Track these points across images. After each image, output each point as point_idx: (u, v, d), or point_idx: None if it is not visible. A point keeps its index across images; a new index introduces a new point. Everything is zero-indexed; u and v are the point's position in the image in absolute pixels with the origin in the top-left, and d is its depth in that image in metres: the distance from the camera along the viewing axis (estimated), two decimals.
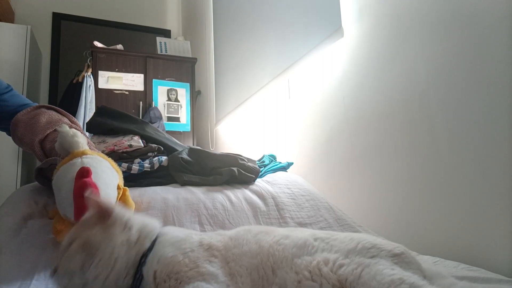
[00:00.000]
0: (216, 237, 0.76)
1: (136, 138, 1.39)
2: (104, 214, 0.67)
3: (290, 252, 0.72)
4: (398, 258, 0.68)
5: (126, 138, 1.38)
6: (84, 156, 0.97)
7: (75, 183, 0.85)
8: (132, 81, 3.26)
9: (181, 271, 0.63)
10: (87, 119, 2.42)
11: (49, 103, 3.73)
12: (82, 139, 1.02)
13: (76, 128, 1.12)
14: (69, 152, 0.99)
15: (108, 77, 3.19)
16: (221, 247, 0.73)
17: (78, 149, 1.00)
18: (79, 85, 3.13)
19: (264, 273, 0.69)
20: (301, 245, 0.73)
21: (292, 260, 0.70)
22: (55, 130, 1.12)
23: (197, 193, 1.22)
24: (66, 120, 1.21)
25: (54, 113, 1.20)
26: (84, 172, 0.86)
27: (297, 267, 0.69)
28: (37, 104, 1.21)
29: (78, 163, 0.94)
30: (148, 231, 0.72)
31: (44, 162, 1.07)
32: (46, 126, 1.13)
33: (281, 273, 0.69)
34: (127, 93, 3.23)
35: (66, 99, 3.44)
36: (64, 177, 0.92)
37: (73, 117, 1.26)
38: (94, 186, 0.84)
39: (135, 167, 1.31)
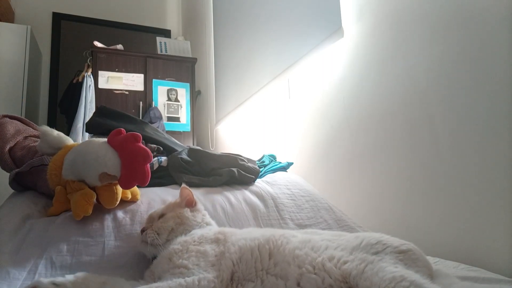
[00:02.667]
0: (236, 229, 0.94)
1: None
2: (192, 202, 0.98)
3: (293, 244, 0.76)
4: (404, 255, 0.68)
5: None
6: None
7: (117, 137, 0.98)
8: (132, 81, 3.26)
9: (189, 242, 0.82)
10: (87, 119, 2.42)
11: (49, 103, 3.75)
12: (65, 135, 1.11)
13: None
14: (59, 147, 1.08)
15: (108, 77, 3.19)
16: (228, 231, 0.87)
17: (69, 143, 1.10)
18: (79, 85, 3.13)
19: (258, 255, 0.76)
20: (305, 240, 0.77)
21: (294, 251, 0.74)
22: (25, 137, 1.19)
23: (196, 195, 1.21)
24: (31, 129, 1.25)
25: (18, 122, 1.25)
26: (121, 131, 1.00)
27: (300, 261, 0.71)
28: None
29: (93, 139, 1.06)
30: (207, 221, 0.98)
31: (25, 166, 1.09)
32: (16, 134, 1.17)
33: (283, 264, 0.72)
34: (127, 93, 3.23)
35: (66, 99, 3.44)
36: (92, 146, 1.00)
37: (36, 126, 1.31)
38: (139, 134, 1.00)
39: None
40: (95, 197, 1.02)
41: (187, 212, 0.94)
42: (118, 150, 0.98)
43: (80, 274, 0.78)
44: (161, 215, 0.94)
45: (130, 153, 0.96)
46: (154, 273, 0.80)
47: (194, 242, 0.82)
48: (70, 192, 1.02)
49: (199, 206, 0.99)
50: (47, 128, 1.09)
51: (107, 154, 0.97)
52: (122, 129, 1.01)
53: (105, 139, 1.03)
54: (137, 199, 1.13)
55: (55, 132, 1.10)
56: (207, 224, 0.96)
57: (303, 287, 0.68)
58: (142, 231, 0.91)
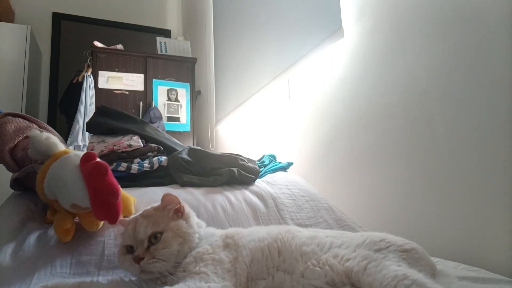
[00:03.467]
0: (239, 228, 0.91)
1: (135, 138, 1.39)
2: (180, 209, 0.85)
3: (299, 240, 0.77)
4: (407, 254, 0.69)
5: (126, 138, 1.38)
6: (72, 153, 0.97)
7: (86, 165, 0.87)
8: (132, 81, 3.26)
9: (202, 253, 0.77)
10: (87, 119, 2.43)
11: (49, 103, 3.75)
12: (57, 140, 1.00)
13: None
14: (48, 155, 0.97)
15: (108, 77, 3.19)
16: (235, 234, 0.84)
17: (58, 150, 0.99)
18: (79, 85, 3.13)
19: (268, 254, 0.76)
20: (311, 236, 0.79)
21: (301, 247, 0.76)
22: (26, 137, 1.09)
23: (196, 195, 1.22)
24: (35, 126, 1.17)
25: (21, 120, 1.16)
26: (92, 155, 0.89)
27: (308, 258, 0.73)
28: (2, 112, 1.17)
29: (72, 155, 0.94)
30: (199, 224, 0.90)
31: (21, 172, 1.03)
32: (15, 134, 1.09)
33: (290, 260, 0.74)
34: (127, 93, 3.23)
35: (66, 99, 3.44)
36: (64, 169, 0.90)
37: (42, 123, 1.23)
38: (106, 165, 0.88)
39: (135, 167, 1.31)
40: (73, 221, 0.94)
41: (184, 226, 0.82)
42: (85, 181, 0.87)
43: (50, 284, 0.76)
44: (152, 234, 0.79)
45: (95, 188, 0.85)
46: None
47: (207, 252, 0.78)
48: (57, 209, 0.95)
49: (187, 209, 0.88)
50: (35, 133, 0.97)
51: (76, 183, 0.87)
52: (93, 152, 0.91)
53: (77, 164, 0.91)
54: (131, 213, 1.03)
55: (44, 136, 0.97)
56: (199, 226, 0.89)
57: (306, 277, 0.70)
58: (138, 259, 0.75)
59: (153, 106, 3.22)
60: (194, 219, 0.88)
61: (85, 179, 0.87)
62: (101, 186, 0.84)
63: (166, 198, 0.84)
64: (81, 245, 0.94)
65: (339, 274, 0.67)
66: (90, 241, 0.95)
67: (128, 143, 1.35)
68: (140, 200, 1.14)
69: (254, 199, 1.27)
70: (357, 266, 0.66)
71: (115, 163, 1.29)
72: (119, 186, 0.89)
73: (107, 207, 0.85)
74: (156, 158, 1.39)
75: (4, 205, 1.09)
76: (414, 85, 1.24)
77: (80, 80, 3.22)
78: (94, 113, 1.51)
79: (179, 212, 0.85)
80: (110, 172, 0.87)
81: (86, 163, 0.88)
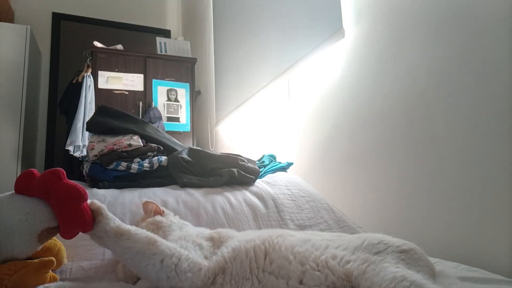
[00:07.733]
0: (232, 231, 0.93)
1: (135, 137, 1.39)
2: (160, 211, 0.97)
3: (290, 241, 0.76)
4: (406, 255, 0.68)
5: (126, 137, 1.38)
6: None
7: (56, 184, 0.74)
8: (132, 81, 3.26)
9: (186, 235, 0.83)
10: (87, 119, 2.42)
11: (48, 103, 3.76)
12: None
13: None
14: None
15: (108, 77, 3.19)
16: (223, 232, 0.86)
17: None
18: (79, 85, 3.12)
19: (253, 255, 0.74)
20: (305, 239, 0.77)
21: (293, 248, 0.73)
22: None
23: (196, 196, 1.22)
24: None
25: None
26: (59, 173, 0.75)
27: (302, 257, 0.71)
28: None
29: None
30: (182, 222, 0.98)
31: None
32: None
33: (280, 261, 0.71)
34: (127, 93, 3.23)
35: (66, 99, 3.44)
36: None
37: None
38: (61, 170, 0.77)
39: (135, 167, 1.31)
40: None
41: (158, 217, 0.93)
42: (43, 196, 0.75)
43: (53, 285, 0.74)
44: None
45: (58, 196, 0.74)
46: None
47: (191, 236, 0.83)
48: None
49: (167, 212, 0.99)
50: None
51: (34, 205, 0.74)
52: (33, 169, 0.77)
53: (8, 193, 0.76)
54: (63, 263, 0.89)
55: None
56: (183, 224, 0.96)
57: (305, 284, 0.68)
58: None
59: (153, 106, 3.22)
60: (175, 218, 0.98)
61: (41, 193, 0.74)
62: (64, 191, 0.74)
63: (144, 206, 1.00)
64: (81, 250, 0.92)
65: (340, 278, 0.66)
66: (90, 245, 0.94)
67: (128, 142, 1.35)
68: (140, 200, 1.14)
69: (254, 199, 1.27)
70: (357, 270, 0.64)
71: (114, 163, 1.29)
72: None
73: (76, 214, 0.74)
74: (156, 158, 1.39)
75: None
76: (413, 85, 1.24)
77: (80, 80, 3.21)
78: (95, 112, 1.51)
79: (159, 214, 0.97)
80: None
81: (31, 180, 0.75)
